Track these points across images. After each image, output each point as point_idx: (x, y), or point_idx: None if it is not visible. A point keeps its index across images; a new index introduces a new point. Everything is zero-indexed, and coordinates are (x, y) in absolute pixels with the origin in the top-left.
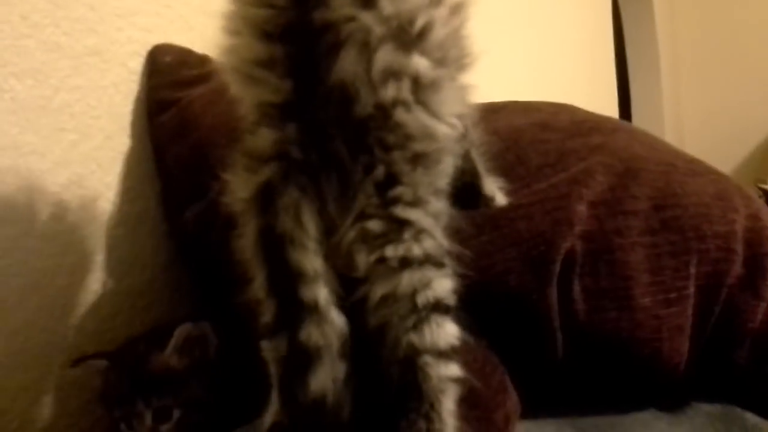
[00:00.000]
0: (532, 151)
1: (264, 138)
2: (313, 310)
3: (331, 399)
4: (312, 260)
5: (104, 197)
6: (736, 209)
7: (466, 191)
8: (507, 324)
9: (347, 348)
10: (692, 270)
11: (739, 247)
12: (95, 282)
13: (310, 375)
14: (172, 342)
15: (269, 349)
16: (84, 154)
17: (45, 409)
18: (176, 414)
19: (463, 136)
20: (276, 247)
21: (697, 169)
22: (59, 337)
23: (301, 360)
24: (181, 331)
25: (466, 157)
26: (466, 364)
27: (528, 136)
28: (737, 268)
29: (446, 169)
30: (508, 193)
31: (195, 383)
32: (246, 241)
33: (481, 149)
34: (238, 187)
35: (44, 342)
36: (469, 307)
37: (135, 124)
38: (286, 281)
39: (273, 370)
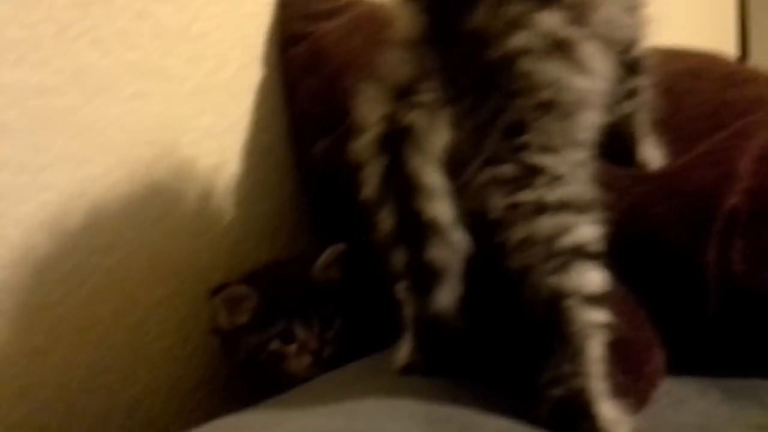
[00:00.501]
0: (689, 100)
1: (397, 72)
2: (435, 228)
3: (451, 318)
4: (436, 178)
5: (239, 126)
6: None
7: (621, 150)
8: (658, 279)
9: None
10: None
11: None
12: (230, 207)
13: (435, 292)
14: (323, 258)
15: (403, 291)
16: (220, 82)
17: (177, 324)
18: (337, 323)
19: (624, 95)
20: (403, 180)
21: None
22: (194, 257)
23: (427, 277)
24: (333, 250)
25: (627, 120)
26: (615, 314)
27: (683, 84)
28: None
29: (585, 123)
30: (667, 144)
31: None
32: (373, 175)
33: (648, 111)
34: (369, 119)
35: (180, 260)
36: (619, 258)
37: (267, 56)
38: (405, 194)
39: (408, 311)
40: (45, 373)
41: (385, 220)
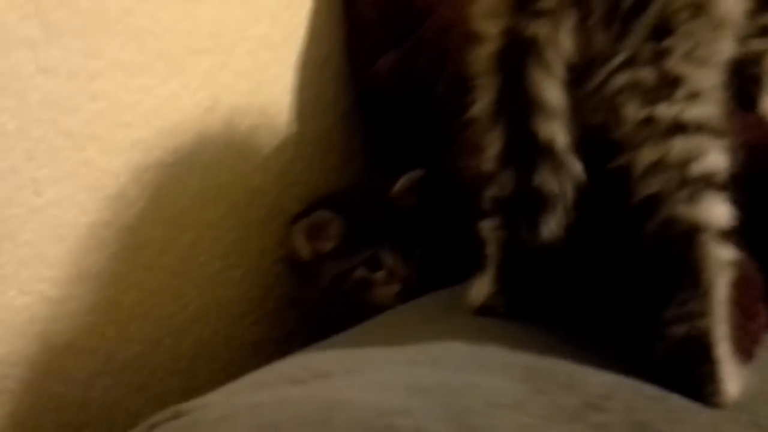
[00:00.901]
0: None
1: None
2: (548, 152)
3: (560, 248)
4: (556, 94)
5: (295, 35)
6: None
7: (741, 93)
8: None
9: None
10: None
11: None
12: (282, 124)
13: (541, 221)
14: (402, 183)
15: (490, 229)
16: None
17: (227, 247)
18: (418, 251)
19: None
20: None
21: None
22: (244, 178)
23: (533, 205)
24: (411, 175)
25: (754, 59)
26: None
27: None
28: None
29: (726, 43)
30: None
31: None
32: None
33: None
34: (487, 32)
35: (231, 182)
36: (736, 199)
37: None
38: (521, 113)
39: (492, 250)
40: (94, 295)
41: (493, 143)
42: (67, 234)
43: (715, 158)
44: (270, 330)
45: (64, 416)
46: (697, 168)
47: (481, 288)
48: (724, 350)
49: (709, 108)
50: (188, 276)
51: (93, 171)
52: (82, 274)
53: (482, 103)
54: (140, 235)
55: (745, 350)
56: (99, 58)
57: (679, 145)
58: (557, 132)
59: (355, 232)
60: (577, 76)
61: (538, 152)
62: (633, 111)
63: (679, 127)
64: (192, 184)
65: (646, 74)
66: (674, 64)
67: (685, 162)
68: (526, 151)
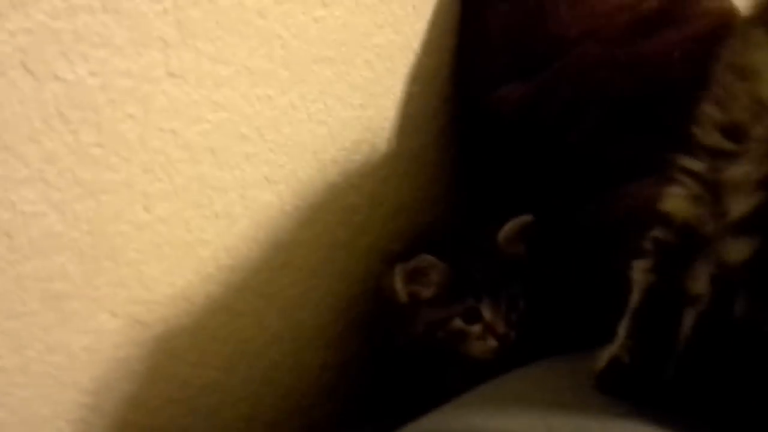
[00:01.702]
0: None
1: None
2: None
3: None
4: None
5: (412, 46)
6: None
7: None
8: None
9: None
10: None
11: None
12: (383, 140)
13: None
14: (508, 229)
15: (640, 270)
16: None
17: (312, 270)
18: (522, 305)
19: None
20: None
21: None
22: (341, 194)
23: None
24: (519, 221)
25: None
26: None
27: None
28: None
29: None
30: None
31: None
32: None
33: None
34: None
35: (325, 200)
36: None
37: None
38: None
39: (635, 296)
40: (182, 319)
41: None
42: (168, 253)
43: None
44: (335, 354)
45: None
46: None
47: (615, 340)
48: None
49: None
50: (273, 298)
51: (204, 187)
52: (176, 296)
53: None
54: (237, 256)
55: None
56: (228, 64)
57: None
58: None
59: (457, 280)
60: None
61: None
62: None
63: None
64: (291, 201)
65: None
66: None
67: None
68: None
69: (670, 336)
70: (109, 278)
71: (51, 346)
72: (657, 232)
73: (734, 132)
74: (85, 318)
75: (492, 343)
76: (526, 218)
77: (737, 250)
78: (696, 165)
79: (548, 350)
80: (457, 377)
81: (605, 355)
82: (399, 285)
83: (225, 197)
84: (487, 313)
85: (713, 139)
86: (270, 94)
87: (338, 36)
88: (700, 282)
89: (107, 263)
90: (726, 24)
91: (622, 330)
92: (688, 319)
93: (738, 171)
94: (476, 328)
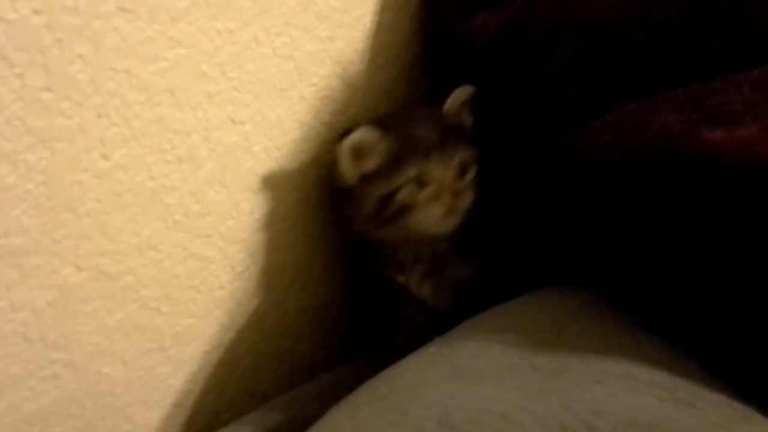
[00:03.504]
0: None
1: None
2: None
3: None
4: None
5: None
6: None
7: None
8: None
9: None
10: None
11: None
12: (353, 74)
13: None
14: (452, 99)
15: None
16: None
17: (297, 208)
18: (472, 170)
19: None
20: None
21: None
22: (312, 134)
23: None
24: (462, 91)
25: None
26: None
27: None
28: None
29: None
30: None
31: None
32: None
33: None
34: None
35: (297, 139)
36: None
37: None
38: None
39: None
40: (150, 269)
41: None
42: (131, 202)
43: None
44: (313, 296)
45: (109, 398)
46: None
47: None
48: None
49: None
50: (245, 243)
51: (164, 130)
52: (141, 245)
53: None
54: (203, 201)
55: None
56: None
57: None
58: None
59: (403, 146)
60: None
61: None
62: None
63: None
64: (259, 142)
65: None
66: None
67: None
68: None
69: None
70: (70, 230)
71: (14, 303)
72: None
73: None
74: (47, 273)
75: (443, 206)
76: (468, 88)
77: None
78: None
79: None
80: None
81: None
82: (346, 165)
83: (188, 140)
84: (436, 172)
85: None
86: (231, 28)
87: None
88: None
89: (66, 215)
90: None
91: None
92: None
93: None
94: (427, 191)
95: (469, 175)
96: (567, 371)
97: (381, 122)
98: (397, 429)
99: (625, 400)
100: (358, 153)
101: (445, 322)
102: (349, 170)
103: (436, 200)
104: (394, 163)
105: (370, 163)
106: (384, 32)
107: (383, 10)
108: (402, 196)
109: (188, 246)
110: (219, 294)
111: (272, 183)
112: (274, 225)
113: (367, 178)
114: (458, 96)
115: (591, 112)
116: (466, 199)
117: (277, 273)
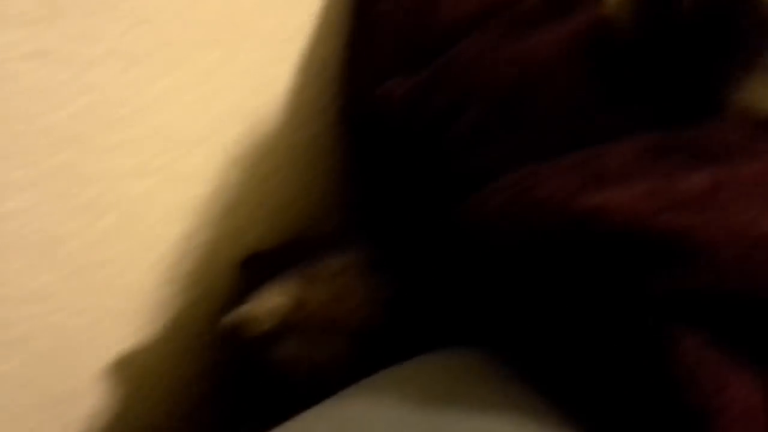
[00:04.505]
0: None
1: None
2: None
3: None
4: None
5: (302, 32)
6: None
7: None
8: None
9: None
10: None
11: None
12: (273, 129)
13: None
14: None
15: None
16: None
17: (191, 268)
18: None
19: None
20: None
21: None
22: (225, 186)
23: None
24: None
25: None
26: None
27: None
28: None
29: None
30: None
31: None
32: None
33: None
34: None
35: (209, 192)
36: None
37: None
38: None
39: None
40: (40, 320)
41: None
42: (26, 248)
43: None
44: (216, 354)
45: None
46: None
47: None
48: None
49: None
50: (144, 299)
51: (68, 176)
52: (32, 296)
53: None
54: (103, 252)
55: None
56: (99, 44)
57: None
58: None
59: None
60: None
61: None
62: None
63: None
64: (167, 194)
65: None
66: None
67: None
68: None
69: None
70: None
71: None
72: None
73: None
74: None
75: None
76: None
77: None
78: None
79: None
80: None
81: None
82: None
83: (93, 188)
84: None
85: None
86: (145, 78)
87: (222, 20)
88: None
89: None
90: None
91: None
92: None
93: None
94: None
95: None
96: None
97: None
98: None
99: None
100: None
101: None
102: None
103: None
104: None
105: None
106: (302, 93)
107: (303, 70)
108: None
109: (82, 300)
110: (115, 350)
111: (177, 236)
112: (176, 282)
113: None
114: None
115: (490, 175)
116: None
117: (178, 332)
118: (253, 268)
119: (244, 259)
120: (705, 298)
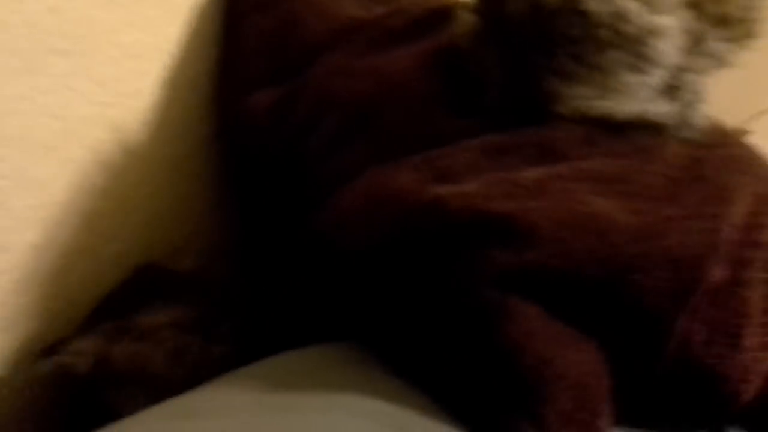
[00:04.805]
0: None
1: None
2: None
3: None
4: None
5: (164, 49)
6: None
7: None
8: (621, 334)
9: None
10: None
11: None
12: (134, 143)
13: None
14: None
15: None
16: None
17: (58, 276)
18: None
19: None
20: None
21: None
22: (81, 196)
23: None
24: None
25: None
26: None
27: None
28: None
29: None
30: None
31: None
32: None
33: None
34: None
35: (64, 201)
36: (596, 307)
37: None
38: None
39: None
40: None
41: None
42: None
43: None
44: None
45: None
46: None
47: None
48: None
49: None
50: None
51: None
52: None
53: None
54: None
55: None
56: None
57: None
58: None
59: None
60: None
61: None
62: None
63: None
64: (20, 200)
65: None
66: None
67: None
68: None
69: None
70: None
71: None
72: None
73: None
74: None
75: None
76: None
77: None
78: None
79: None
80: None
81: None
82: None
83: None
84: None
85: None
86: None
87: (78, 29)
88: None
89: None
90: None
91: None
92: None
93: None
94: None
95: None
96: (294, 407)
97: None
98: None
99: (345, 427)
100: None
101: None
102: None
103: None
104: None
105: None
106: (172, 106)
107: (170, 84)
108: None
109: None
110: None
111: (35, 245)
112: (36, 289)
113: None
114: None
115: (345, 181)
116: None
117: (37, 344)
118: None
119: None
120: (535, 275)
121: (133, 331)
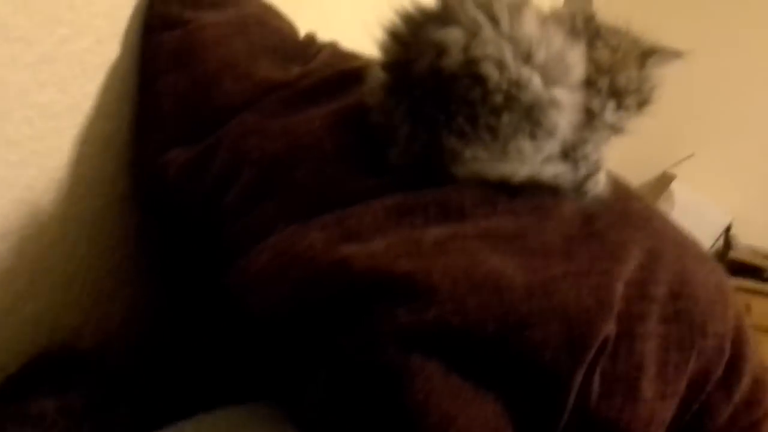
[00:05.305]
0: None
1: None
2: None
3: None
4: None
5: (80, 108)
6: (730, 306)
7: None
8: (522, 388)
9: None
10: (690, 365)
11: (728, 349)
12: (48, 201)
13: None
14: None
15: None
16: (71, 54)
17: None
18: None
19: None
20: None
21: (700, 253)
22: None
23: None
24: None
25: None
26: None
27: None
28: (720, 369)
29: None
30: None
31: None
32: None
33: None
34: None
35: None
36: (496, 362)
37: (130, 34)
38: None
39: None
40: None
41: None
42: None
43: None
44: None
45: None
46: None
47: None
48: None
49: None
50: None
51: None
52: None
53: None
54: None
55: None
56: None
57: None
58: None
59: None
60: None
61: None
62: None
63: None
64: None
65: None
66: None
67: None
68: None
69: None
70: None
71: None
72: None
73: None
74: None
75: None
76: None
77: None
78: None
79: None
80: None
81: None
82: None
83: None
84: None
85: None
86: None
87: None
88: None
89: None
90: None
91: None
92: None
93: None
94: None
95: None
96: None
97: None
98: None
99: None
100: None
101: None
102: None
103: None
104: None
105: None
106: (86, 164)
107: (85, 142)
108: None
109: None
110: None
111: None
112: None
113: None
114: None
115: (256, 239)
116: None
117: None
118: None
119: None
120: (437, 332)
121: (22, 416)
